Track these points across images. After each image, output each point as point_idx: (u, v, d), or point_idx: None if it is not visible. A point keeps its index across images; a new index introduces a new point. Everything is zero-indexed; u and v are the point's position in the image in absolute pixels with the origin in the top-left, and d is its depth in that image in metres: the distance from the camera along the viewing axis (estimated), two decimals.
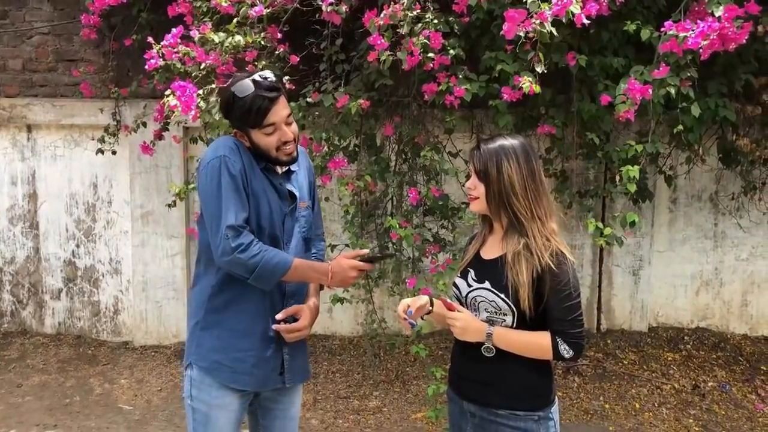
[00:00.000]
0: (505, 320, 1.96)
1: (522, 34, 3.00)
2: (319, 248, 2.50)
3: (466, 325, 1.94)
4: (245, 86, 2.10)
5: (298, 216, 2.30)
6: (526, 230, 1.94)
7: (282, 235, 2.23)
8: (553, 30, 2.99)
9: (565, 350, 1.92)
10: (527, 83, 3.10)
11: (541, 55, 3.08)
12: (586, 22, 3.04)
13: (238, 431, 2.33)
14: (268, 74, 2.15)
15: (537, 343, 1.92)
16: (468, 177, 2.05)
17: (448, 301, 2.01)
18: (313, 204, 2.40)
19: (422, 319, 2.10)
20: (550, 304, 1.92)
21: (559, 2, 2.95)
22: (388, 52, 3.24)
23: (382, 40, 3.22)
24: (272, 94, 2.10)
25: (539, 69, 3.10)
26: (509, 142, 1.98)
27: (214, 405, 2.24)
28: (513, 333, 1.93)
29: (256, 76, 2.13)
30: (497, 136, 2.02)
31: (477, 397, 2.03)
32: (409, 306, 2.00)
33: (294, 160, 2.23)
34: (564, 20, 3.01)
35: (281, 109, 2.13)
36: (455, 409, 2.12)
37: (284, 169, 2.27)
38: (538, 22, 2.94)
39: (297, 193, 2.29)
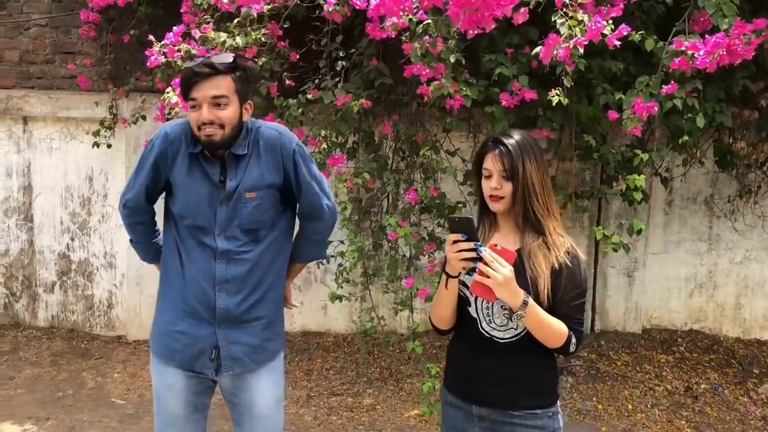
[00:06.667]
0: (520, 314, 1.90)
1: (555, 58, 2.99)
2: (313, 230, 2.35)
3: (511, 279, 1.81)
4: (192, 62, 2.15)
5: (239, 207, 2.15)
6: (543, 228, 1.92)
7: (212, 226, 2.15)
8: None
9: (573, 345, 1.91)
10: (556, 98, 3.10)
11: (567, 69, 3.08)
12: (617, 43, 3.01)
13: (194, 416, 2.23)
14: (226, 57, 2.08)
15: (558, 329, 1.89)
16: (484, 176, 1.96)
17: (509, 249, 1.86)
18: (300, 186, 2.22)
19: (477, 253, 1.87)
20: (563, 299, 1.91)
21: (593, 26, 2.92)
22: (436, 82, 3.17)
23: (427, 70, 3.17)
24: (204, 70, 2.03)
25: (567, 83, 3.10)
26: (523, 138, 1.94)
27: (160, 382, 2.22)
28: (542, 311, 1.88)
29: (209, 55, 2.16)
30: (510, 133, 1.96)
31: (493, 400, 1.96)
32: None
33: (213, 145, 2.09)
34: (596, 42, 3.01)
35: (208, 88, 2.04)
36: (458, 414, 2.04)
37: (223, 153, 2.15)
38: (573, 47, 2.93)
39: (234, 183, 2.14)
